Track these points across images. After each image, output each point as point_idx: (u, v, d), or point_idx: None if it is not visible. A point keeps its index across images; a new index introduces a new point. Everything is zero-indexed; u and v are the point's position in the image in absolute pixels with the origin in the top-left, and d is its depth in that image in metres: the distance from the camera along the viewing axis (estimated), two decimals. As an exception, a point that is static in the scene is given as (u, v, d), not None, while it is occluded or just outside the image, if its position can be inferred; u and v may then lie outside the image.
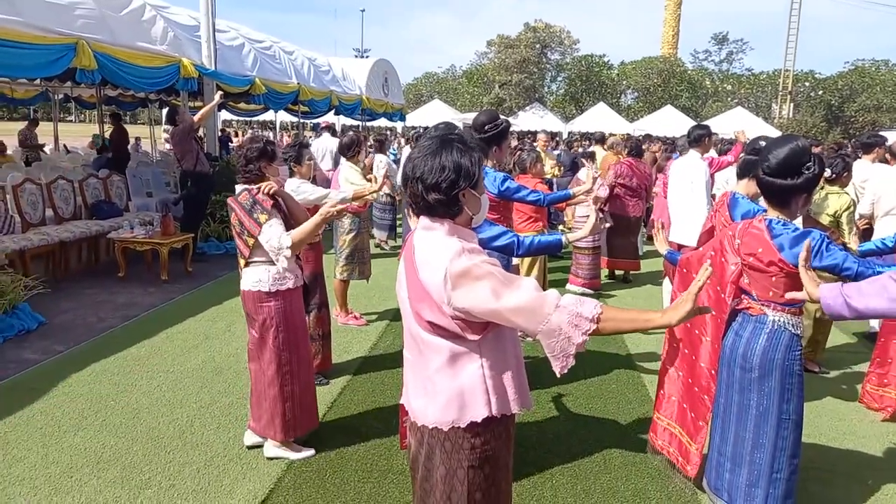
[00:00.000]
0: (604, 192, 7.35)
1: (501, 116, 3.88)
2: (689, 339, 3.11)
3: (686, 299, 1.61)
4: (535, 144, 8.99)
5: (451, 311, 1.68)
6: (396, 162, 11.13)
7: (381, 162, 8.22)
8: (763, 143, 3.50)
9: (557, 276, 7.80)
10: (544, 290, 1.68)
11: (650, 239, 9.42)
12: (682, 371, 3.22)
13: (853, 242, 4.06)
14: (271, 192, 3.33)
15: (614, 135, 13.80)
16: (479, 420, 1.77)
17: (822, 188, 4.90)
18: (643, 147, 8.83)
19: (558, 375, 1.65)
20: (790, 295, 2.47)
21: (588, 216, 3.11)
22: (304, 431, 3.55)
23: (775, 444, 2.69)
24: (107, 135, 13.25)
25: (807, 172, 2.52)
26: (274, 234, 3.25)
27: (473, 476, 1.80)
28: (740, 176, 3.55)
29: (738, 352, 2.73)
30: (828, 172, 4.85)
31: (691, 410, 3.13)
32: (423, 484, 1.88)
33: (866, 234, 5.53)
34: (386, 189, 8.45)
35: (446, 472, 1.81)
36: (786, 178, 2.54)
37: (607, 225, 7.38)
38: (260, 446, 3.54)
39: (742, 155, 3.65)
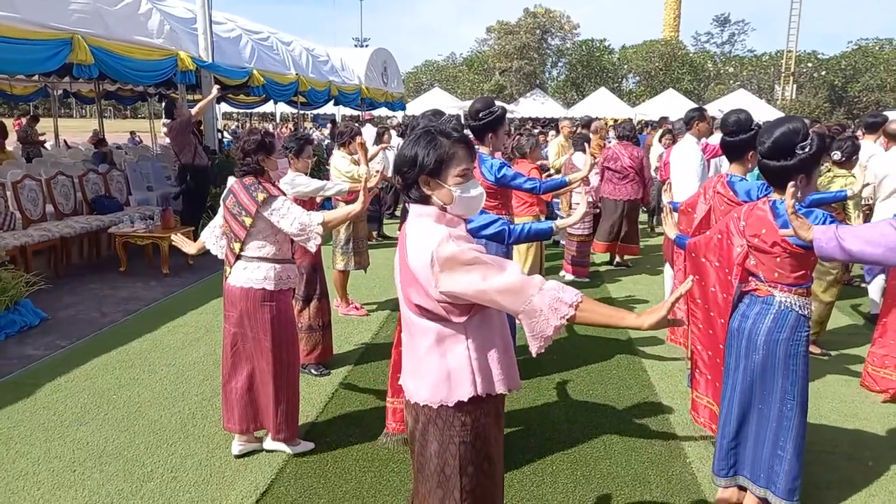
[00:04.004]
0: (594, 180, 7.32)
1: (497, 103, 3.87)
2: (710, 323, 3.17)
3: (662, 307, 1.69)
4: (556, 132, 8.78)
5: (437, 295, 1.76)
6: None
7: (378, 155, 8.15)
8: (732, 119, 3.50)
9: (554, 263, 7.78)
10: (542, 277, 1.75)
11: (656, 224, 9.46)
12: (710, 351, 3.27)
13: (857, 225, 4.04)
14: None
15: (614, 119, 13.66)
16: (465, 399, 1.86)
17: (829, 170, 4.86)
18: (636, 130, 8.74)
19: (534, 355, 1.75)
20: (783, 233, 2.46)
21: (580, 203, 3.11)
22: (292, 432, 3.45)
23: (780, 423, 2.70)
24: None
25: (801, 153, 2.52)
26: (299, 212, 3.16)
27: (465, 451, 1.90)
28: (730, 159, 3.58)
29: (745, 333, 2.75)
30: (837, 155, 4.81)
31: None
32: (419, 457, 1.99)
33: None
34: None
35: (439, 447, 1.91)
36: (779, 159, 2.56)
37: (596, 211, 7.33)
38: (250, 454, 3.44)
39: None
